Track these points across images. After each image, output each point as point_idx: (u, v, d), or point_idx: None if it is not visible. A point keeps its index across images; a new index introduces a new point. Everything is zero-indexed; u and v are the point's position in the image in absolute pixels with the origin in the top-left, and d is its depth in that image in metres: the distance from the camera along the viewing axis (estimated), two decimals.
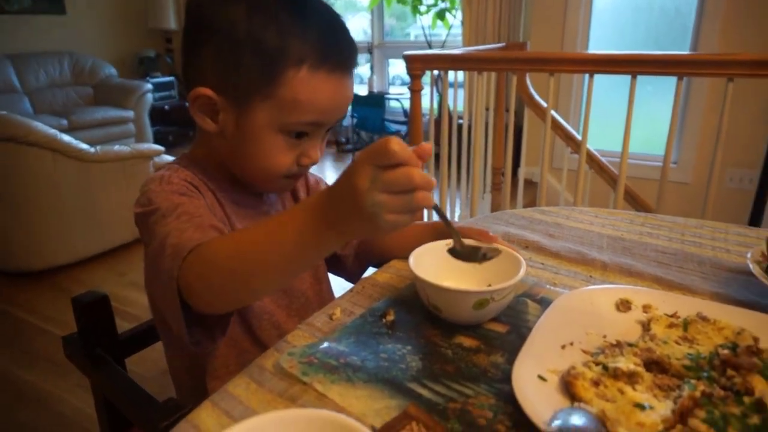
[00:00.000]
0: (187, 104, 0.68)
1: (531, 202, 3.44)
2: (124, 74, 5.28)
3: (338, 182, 0.47)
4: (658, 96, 3.28)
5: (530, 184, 3.58)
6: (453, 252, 0.66)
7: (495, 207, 3.19)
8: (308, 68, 0.63)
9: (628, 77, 1.89)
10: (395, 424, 0.46)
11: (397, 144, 0.43)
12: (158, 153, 3.01)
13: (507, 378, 0.50)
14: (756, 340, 0.57)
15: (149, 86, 4.89)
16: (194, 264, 0.55)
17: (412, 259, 0.64)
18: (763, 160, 1.50)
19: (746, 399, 0.47)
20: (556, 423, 0.43)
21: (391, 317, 0.64)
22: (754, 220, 1.57)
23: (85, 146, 2.62)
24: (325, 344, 0.58)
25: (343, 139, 5.37)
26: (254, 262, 0.53)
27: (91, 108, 4.59)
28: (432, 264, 0.66)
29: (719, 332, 0.59)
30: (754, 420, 0.45)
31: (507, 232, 0.89)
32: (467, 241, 0.69)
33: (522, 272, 0.61)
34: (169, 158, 3.16)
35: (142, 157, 2.89)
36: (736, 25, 3.15)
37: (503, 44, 3.59)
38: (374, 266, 0.85)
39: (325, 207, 0.48)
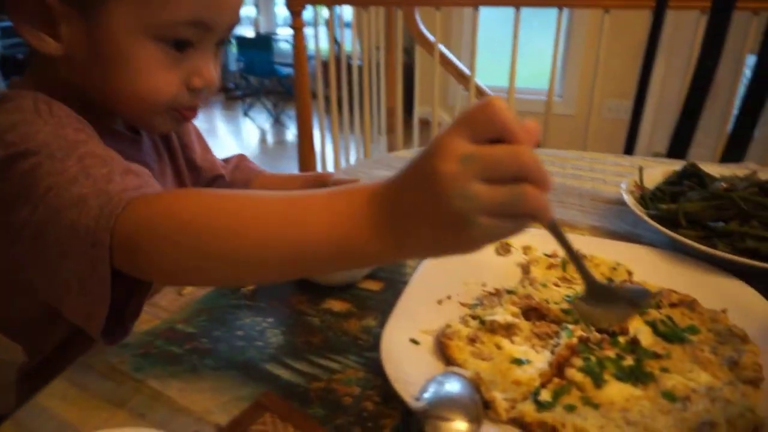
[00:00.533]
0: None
1: (426, 141, 3.44)
2: None
3: (411, 166, 0.32)
4: (543, 31, 3.34)
5: (426, 123, 3.56)
6: (585, 300, 0.40)
7: (390, 149, 3.15)
8: None
9: (514, 13, 1.87)
10: (244, 419, 0.39)
11: (504, 104, 0.30)
12: None
13: (378, 345, 0.44)
14: (630, 274, 0.56)
15: None
16: (146, 219, 0.38)
17: None
18: (635, 94, 1.54)
19: (621, 339, 0.45)
20: (426, 396, 0.37)
21: (251, 285, 0.56)
22: (629, 149, 1.64)
23: None
24: (168, 327, 0.49)
25: (232, 85, 5.03)
26: (248, 246, 0.36)
27: None
28: None
29: (596, 269, 0.57)
30: (629, 361, 0.43)
31: (388, 176, 0.82)
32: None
33: None
34: None
35: None
36: None
37: None
38: None
39: (384, 200, 0.32)
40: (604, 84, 1.93)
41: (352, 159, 2.71)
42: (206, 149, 0.75)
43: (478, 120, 0.30)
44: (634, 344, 0.44)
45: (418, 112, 2.42)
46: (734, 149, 1.34)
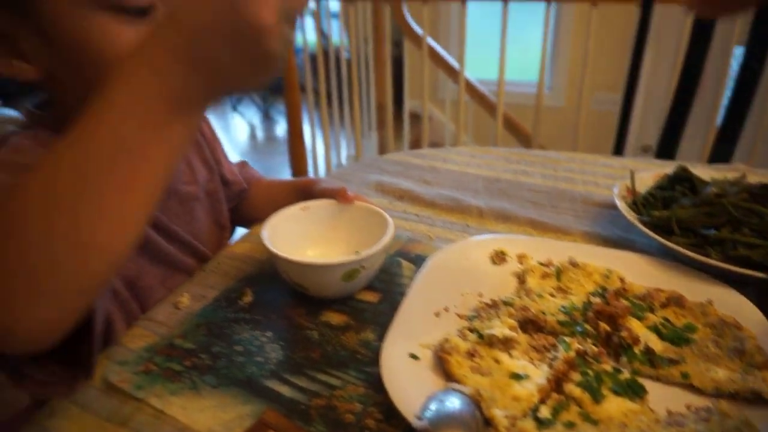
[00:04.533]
0: None
1: (418, 136, 3.43)
2: None
3: (208, 13, 0.30)
4: (532, 24, 3.33)
5: (416, 117, 3.55)
6: None
7: (381, 144, 3.14)
8: None
9: (501, 5, 1.86)
10: None
11: None
12: None
13: (377, 359, 0.44)
14: (622, 281, 0.57)
15: None
16: None
17: (265, 231, 0.55)
18: (624, 89, 1.55)
19: (636, 350, 0.46)
20: (428, 414, 0.38)
21: (248, 298, 0.56)
22: (619, 143, 1.65)
23: None
24: (167, 343, 0.49)
25: None
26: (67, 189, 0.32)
27: None
28: (291, 232, 0.58)
29: (589, 278, 0.58)
30: (625, 375, 0.43)
31: (380, 181, 0.83)
32: None
33: (389, 233, 0.55)
34: (9, 112, 2.70)
35: None
36: None
37: None
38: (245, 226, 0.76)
39: (188, 53, 0.31)
40: (593, 77, 1.93)
41: (344, 155, 2.70)
42: (229, 162, 0.75)
43: None
44: (650, 354, 0.45)
45: (409, 105, 2.41)
46: (724, 143, 1.36)
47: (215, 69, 0.32)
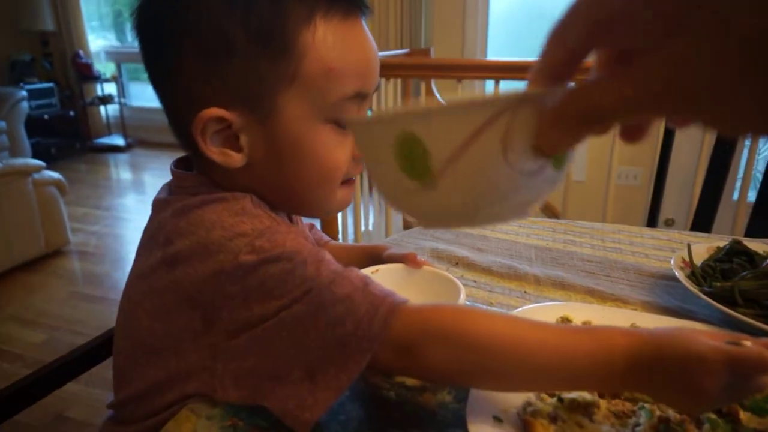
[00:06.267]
0: (180, 129, 0.50)
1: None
2: None
3: (677, 361, 0.38)
4: None
5: None
6: None
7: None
8: (322, 21, 0.48)
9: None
10: None
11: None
12: (38, 169, 2.70)
13: (457, 421, 0.45)
14: None
15: (23, 93, 4.39)
16: (422, 325, 0.44)
17: None
18: (657, 163, 1.60)
19: (719, 418, 0.46)
20: None
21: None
22: (651, 222, 1.67)
23: None
24: None
25: None
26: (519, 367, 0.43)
27: None
28: None
29: None
30: None
31: (435, 247, 0.85)
32: None
33: (462, 297, 0.57)
34: (53, 174, 2.84)
35: (17, 174, 2.57)
36: None
37: (407, 50, 3.62)
38: None
39: (639, 366, 0.40)
40: (619, 151, 1.99)
41: (371, 223, 2.75)
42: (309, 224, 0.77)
43: (751, 370, 0.37)
44: (733, 422, 0.45)
45: None
46: (758, 217, 1.37)
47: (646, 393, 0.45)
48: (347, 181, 0.56)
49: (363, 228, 2.63)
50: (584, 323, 0.62)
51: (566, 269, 0.79)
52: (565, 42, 0.25)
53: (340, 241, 2.69)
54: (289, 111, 0.49)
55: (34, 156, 4.15)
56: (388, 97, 2.39)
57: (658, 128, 1.66)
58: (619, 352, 0.40)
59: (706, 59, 0.20)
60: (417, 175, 0.27)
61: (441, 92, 2.80)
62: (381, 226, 2.76)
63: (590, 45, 0.26)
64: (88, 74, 5.09)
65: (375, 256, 0.68)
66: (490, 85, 2.04)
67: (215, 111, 0.47)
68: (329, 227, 2.47)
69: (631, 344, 0.40)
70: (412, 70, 2.19)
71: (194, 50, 0.47)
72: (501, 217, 0.34)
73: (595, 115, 0.24)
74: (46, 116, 4.85)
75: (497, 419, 0.46)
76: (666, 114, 0.24)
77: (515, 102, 0.25)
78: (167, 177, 0.57)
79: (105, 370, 0.75)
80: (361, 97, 0.51)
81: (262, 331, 0.44)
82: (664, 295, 0.72)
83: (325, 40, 0.48)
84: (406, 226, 3.24)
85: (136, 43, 0.52)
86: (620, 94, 0.23)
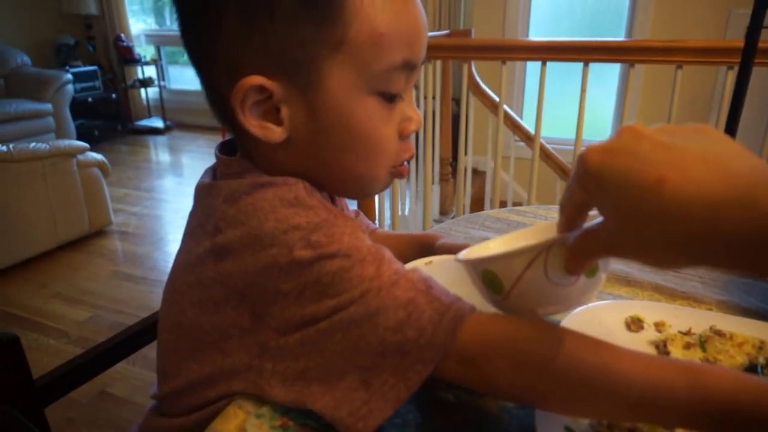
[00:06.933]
0: (218, 109, 0.47)
1: (478, 191, 3.42)
2: (40, 63, 4.83)
3: None
4: (593, 82, 3.33)
5: (476, 172, 3.56)
6: None
7: (443, 198, 3.15)
8: None
9: (574, 64, 1.87)
10: None
11: None
12: (82, 150, 2.76)
13: (523, 427, 0.41)
14: None
15: (69, 76, 4.50)
16: (492, 336, 0.40)
17: None
18: None
19: None
20: None
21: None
22: None
23: None
24: None
25: None
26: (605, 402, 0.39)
27: (1, 101, 4.16)
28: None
29: (739, 348, 0.53)
30: None
31: (486, 237, 0.81)
32: None
33: None
34: (97, 156, 2.89)
35: (62, 155, 2.63)
36: (667, 13, 3.24)
37: (447, 32, 3.53)
38: None
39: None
40: None
41: (407, 208, 2.71)
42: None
43: None
44: None
45: (471, 161, 2.42)
46: None
47: None
48: (394, 165, 0.51)
49: (399, 213, 2.59)
50: (657, 324, 0.57)
51: (630, 264, 0.74)
52: (574, 202, 0.38)
53: (377, 225, 2.66)
54: (334, 80, 0.45)
55: (78, 138, 4.26)
56: (429, 77, 2.33)
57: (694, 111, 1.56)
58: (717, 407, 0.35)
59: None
60: (497, 292, 0.42)
61: (481, 74, 2.72)
62: (417, 212, 2.72)
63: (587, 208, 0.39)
64: (129, 57, 5.17)
65: (427, 246, 0.65)
66: (534, 67, 1.95)
67: (256, 79, 0.44)
68: (365, 211, 2.45)
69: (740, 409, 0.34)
70: (454, 51, 2.12)
71: (236, 9, 0.43)
72: (558, 312, 0.47)
73: (591, 253, 0.38)
74: (89, 99, 4.96)
75: (569, 430, 0.42)
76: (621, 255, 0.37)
77: (548, 245, 0.39)
78: (205, 159, 0.54)
79: (147, 349, 0.75)
80: (409, 67, 0.47)
81: (315, 332, 0.41)
82: (742, 294, 0.66)
83: (374, 3, 0.44)
84: (443, 211, 3.19)
85: (175, 26, 0.48)
86: (602, 243, 0.36)
